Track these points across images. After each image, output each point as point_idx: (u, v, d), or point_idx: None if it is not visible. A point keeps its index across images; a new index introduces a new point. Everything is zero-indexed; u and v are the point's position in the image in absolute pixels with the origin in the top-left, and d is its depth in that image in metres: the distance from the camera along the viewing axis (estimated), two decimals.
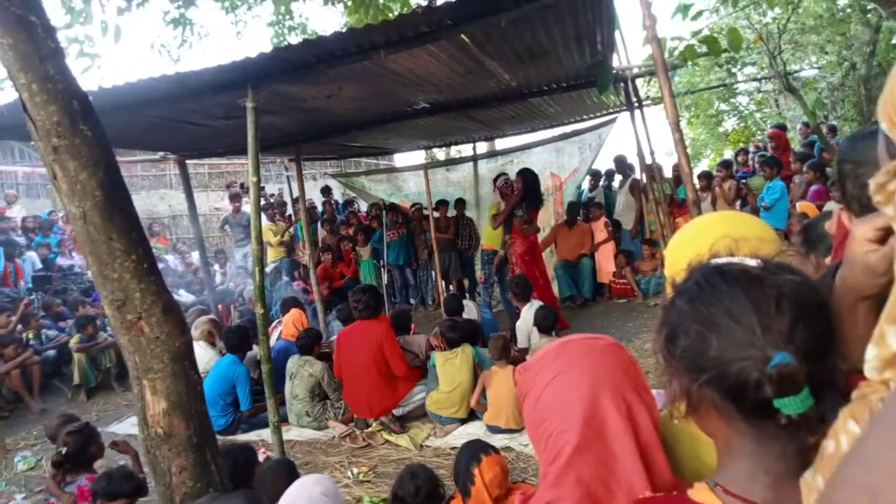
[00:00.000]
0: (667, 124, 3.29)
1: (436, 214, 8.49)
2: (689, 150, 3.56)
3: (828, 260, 1.82)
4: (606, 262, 8.25)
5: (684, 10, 4.83)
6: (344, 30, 3.58)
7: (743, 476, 0.80)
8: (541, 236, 8.68)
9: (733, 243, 0.89)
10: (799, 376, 0.72)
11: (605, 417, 1.02)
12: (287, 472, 2.82)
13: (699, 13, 5.07)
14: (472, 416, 4.74)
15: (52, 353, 6.91)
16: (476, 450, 2.73)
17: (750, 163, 9.34)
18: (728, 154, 13.13)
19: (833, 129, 8.16)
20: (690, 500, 0.83)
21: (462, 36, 3.74)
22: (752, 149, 10.28)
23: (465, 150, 12.73)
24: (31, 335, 6.88)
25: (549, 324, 5.03)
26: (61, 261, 9.39)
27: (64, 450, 3.37)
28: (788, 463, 0.79)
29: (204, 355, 5.22)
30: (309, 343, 5.26)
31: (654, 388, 1.14)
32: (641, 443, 1.02)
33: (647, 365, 4.40)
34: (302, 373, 5.08)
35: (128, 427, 5.56)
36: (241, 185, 11.27)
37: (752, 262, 0.83)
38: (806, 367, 0.72)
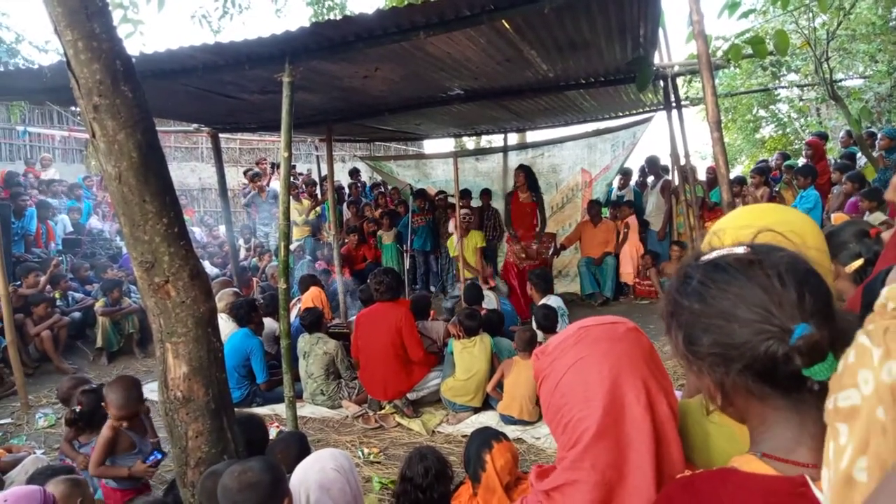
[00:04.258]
0: (701, 126, 3.24)
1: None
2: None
3: (850, 268, 1.79)
4: (625, 262, 8.17)
5: (732, 7, 4.71)
6: (385, 8, 3.55)
7: (789, 442, 0.83)
8: (566, 232, 8.66)
9: (713, 237, 0.96)
10: (822, 343, 0.76)
11: (625, 405, 1.04)
12: (298, 445, 2.84)
13: (748, 12, 4.93)
14: (486, 405, 4.74)
15: (77, 315, 7.04)
16: (488, 436, 2.73)
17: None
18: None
19: (872, 136, 7.93)
20: (741, 472, 0.83)
21: (503, 22, 3.69)
22: (773, 157, 10.05)
23: (496, 140, 12.66)
24: (58, 295, 7.02)
25: (550, 323, 4.98)
26: (95, 222, 9.56)
27: (78, 408, 3.43)
28: None
29: (225, 327, 5.27)
30: (314, 321, 5.29)
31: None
32: (658, 430, 1.04)
33: (667, 367, 4.34)
34: (316, 351, 5.11)
35: (146, 392, 5.61)
36: (273, 165, 11.34)
37: (740, 249, 0.88)
38: (826, 333, 0.77)
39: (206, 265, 8.99)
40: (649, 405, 1.04)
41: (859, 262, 1.66)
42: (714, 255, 0.90)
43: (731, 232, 0.97)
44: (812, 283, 0.82)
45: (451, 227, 8.13)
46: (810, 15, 7.19)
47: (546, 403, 1.13)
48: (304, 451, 2.70)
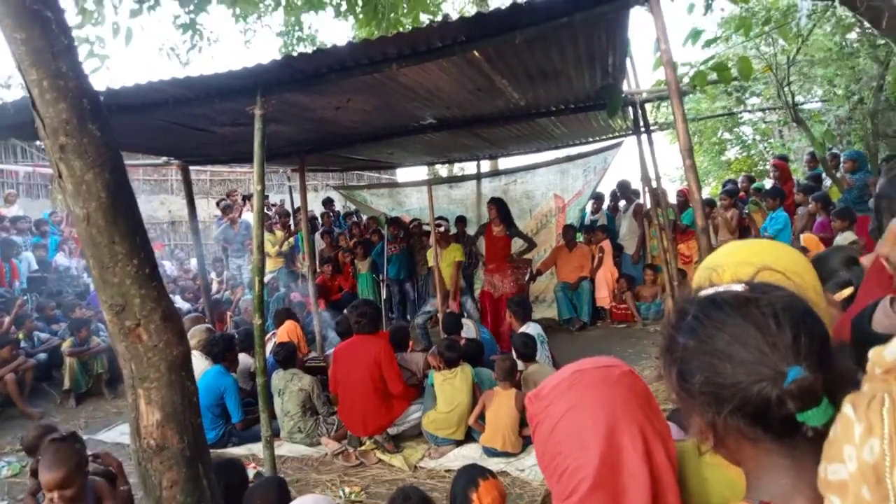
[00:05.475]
0: (670, 150, 3.29)
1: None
2: None
3: (839, 296, 1.79)
4: (600, 287, 8.22)
5: (695, 36, 4.83)
6: (357, 41, 3.56)
7: (787, 489, 0.80)
8: (541, 258, 8.68)
9: (713, 274, 0.95)
10: (816, 388, 0.74)
11: (621, 453, 1.02)
12: (278, 491, 2.74)
13: (711, 40, 5.06)
14: (469, 437, 4.66)
15: (43, 356, 6.80)
16: (474, 474, 2.67)
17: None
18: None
19: (835, 157, 8.17)
20: None
21: (475, 52, 3.72)
22: (739, 180, 10.28)
23: (469, 167, 12.74)
24: (21, 336, 6.78)
25: (530, 351, 4.95)
26: (61, 259, 9.31)
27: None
28: None
29: (198, 365, 5.12)
30: (288, 356, 5.19)
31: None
32: (655, 479, 1.01)
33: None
34: (291, 388, 4.99)
35: (116, 435, 5.45)
36: (244, 197, 11.22)
37: (738, 287, 0.86)
38: (820, 377, 0.75)
39: (178, 300, 8.81)
40: (646, 453, 1.01)
41: (849, 290, 1.66)
42: (711, 291, 0.88)
43: (730, 268, 0.96)
44: (808, 325, 0.80)
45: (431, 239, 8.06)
46: (771, 40, 7.42)
47: (541, 450, 1.10)
48: (284, 496, 2.61)
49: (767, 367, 0.77)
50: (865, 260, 1.65)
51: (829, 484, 0.67)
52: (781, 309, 0.81)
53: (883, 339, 1.03)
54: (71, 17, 5.55)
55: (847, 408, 0.67)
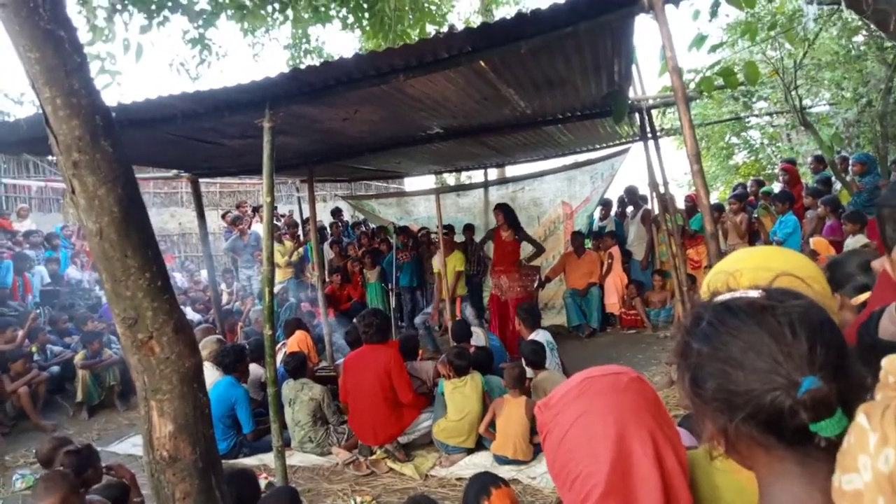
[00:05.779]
0: (677, 155, 3.28)
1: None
2: None
3: (857, 300, 1.78)
4: (610, 293, 8.20)
5: (700, 41, 4.83)
6: (364, 52, 3.59)
7: (801, 496, 0.80)
8: (550, 265, 8.67)
9: (730, 278, 0.93)
10: (830, 398, 0.74)
11: (632, 459, 1.02)
12: (289, 501, 2.76)
13: (717, 45, 5.06)
14: (479, 446, 4.65)
15: (55, 368, 6.85)
16: (486, 482, 2.67)
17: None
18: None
19: (844, 160, 8.13)
20: None
21: (480, 62, 3.74)
22: (748, 184, 10.24)
23: (476, 175, 12.75)
24: (34, 349, 6.84)
25: (539, 359, 4.94)
26: (73, 272, 9.39)
27: (60, 469, 3.29)
28: None
29: (210, 376, 5.14)
30: (298, 366, 5.20)
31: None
32: (666, 485, 1.01)
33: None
34: (301, 397, 5.00)
35: (128, 447, 5.48)
36: (254, 208, 11.29)
37: (755, 293, 0.85)
38: (834, 387, 0.74)
39: (188, 311, 8.85)
40: (657, 458, 1.01)
41: (866, 294, 1.65)
42: (728, 296, 0.88)
43: (749, 273, 0.95)
44: (825, 335, 0.79)
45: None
46: (777, 44, 7.41)
47: (551, 458, 1.10)
48: None
49: (781, 376, 0.76)
50: (876, 263, 1.65)
51: (844, 494, 0.67)
52: (798, 318, 0.80)
53: (888, 346, 1.03)
54: (82, 35, 5.64)
55: (861, 417, 0.67)
